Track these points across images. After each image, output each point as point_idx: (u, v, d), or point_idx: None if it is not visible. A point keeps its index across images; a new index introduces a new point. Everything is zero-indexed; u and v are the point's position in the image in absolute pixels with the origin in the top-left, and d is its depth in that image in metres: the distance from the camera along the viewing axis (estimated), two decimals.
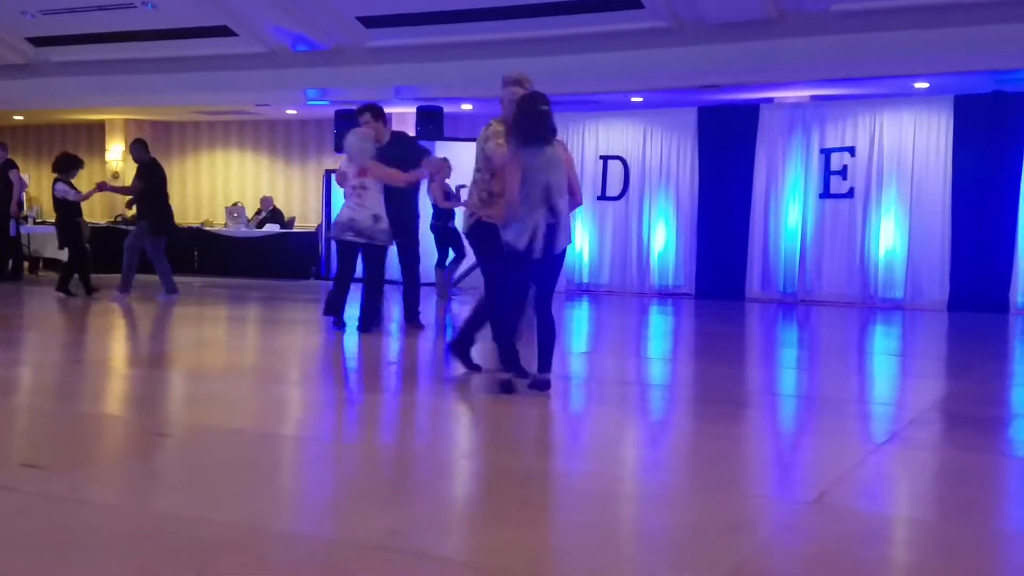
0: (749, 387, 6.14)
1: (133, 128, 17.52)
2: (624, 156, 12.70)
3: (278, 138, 17.78)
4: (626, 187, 12.71)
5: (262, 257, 15.05)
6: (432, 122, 13.82)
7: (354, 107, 14.21)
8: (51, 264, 15.02)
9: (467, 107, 14.43)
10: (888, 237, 11.41)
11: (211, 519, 3.08)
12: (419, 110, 13.87)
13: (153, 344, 7.94)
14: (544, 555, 2.85)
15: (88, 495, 3.34)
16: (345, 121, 14.40)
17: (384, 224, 7.48)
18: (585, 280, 12.96)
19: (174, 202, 11.76)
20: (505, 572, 2.71)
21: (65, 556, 2.74)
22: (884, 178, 11.42)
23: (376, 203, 7.46)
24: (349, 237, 7.47)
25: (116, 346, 7.92)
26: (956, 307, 10.88)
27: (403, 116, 14.92)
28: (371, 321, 7.65)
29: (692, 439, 4.69)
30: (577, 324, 10.10)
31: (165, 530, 2.98)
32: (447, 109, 13.96)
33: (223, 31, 12.83)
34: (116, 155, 17.57)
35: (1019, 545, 3.09)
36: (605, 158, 12.77)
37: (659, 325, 9.91)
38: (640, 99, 13.36)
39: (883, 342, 8.81)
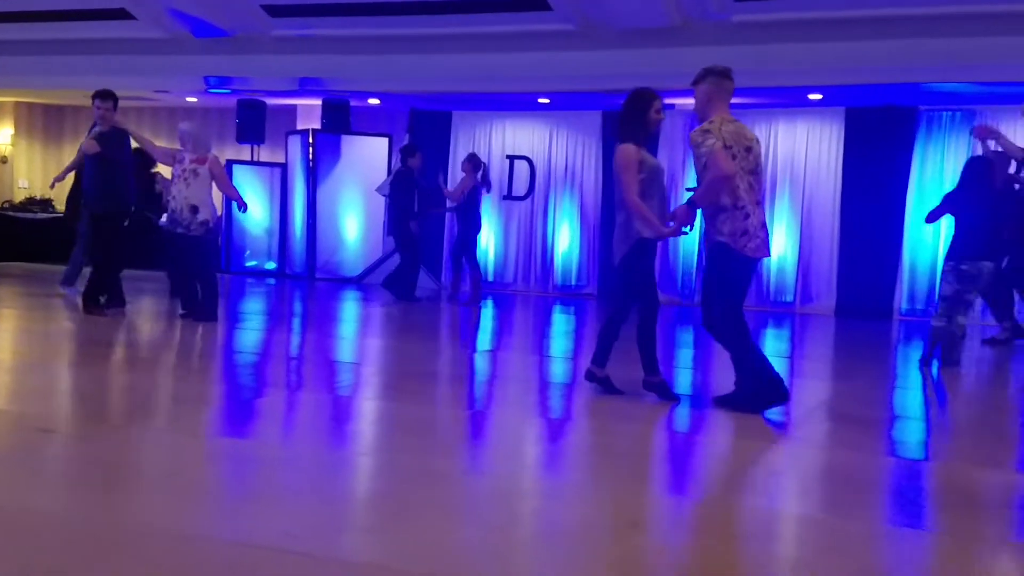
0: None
1: (24, 111, 16.81)
2: (530, 156, 12.80)
3: (178, 126, 17.29)
4: (532, 187, 12.82)
5: (156, 249, 14.47)
6: (338, 115, 13.64)
7: (259, 97, 14.05)
8: None
9: (374, 101, 14.31)
10: (780, 243, 11.77)
11: (100, 519, 3.00)
12: (325, 102, 13.69)
13: (58, 340, 7.66)
14: (443, 553, 2.87)
15: None
16: (248, 111, 14.11)
17: (201, 216, 8.11)
18: (490, 279, 13.02)
19: (65, 192, 11.40)
20: (404, 571, 2.72)
21: None
22: (777, 186, 11.78)
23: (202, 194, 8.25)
24: (179, 230, 8.15)
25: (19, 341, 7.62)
26: (843, 313, 11.30)
27: (308, 108, 14.68)
28: (208, 310, 8.11)
29: (591, 437, 4.78)
30: (482, 322, 10.14)
31: (48, 529, 2.89)
32: (354, 103, 13.81)
33: (121, 14, 12.40)
34: (5, 139, 16.82)
35: (902, 541, 3.25)
36: (512, 158, 12.85)
37: (561, 324, 10.02)
38: (547, 100, 13.46)
39: (773, 344, 9.09)
